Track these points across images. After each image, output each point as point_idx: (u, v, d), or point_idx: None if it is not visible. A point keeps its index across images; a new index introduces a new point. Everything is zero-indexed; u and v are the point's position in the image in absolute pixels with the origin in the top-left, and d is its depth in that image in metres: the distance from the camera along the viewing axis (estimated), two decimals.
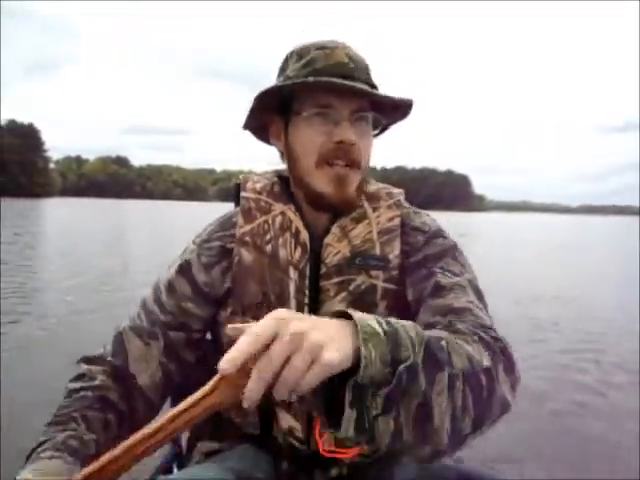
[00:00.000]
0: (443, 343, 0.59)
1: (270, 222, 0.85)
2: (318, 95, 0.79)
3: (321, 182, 0.81)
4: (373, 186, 0.91)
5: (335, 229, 0.84)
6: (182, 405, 0.48)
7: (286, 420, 0.82)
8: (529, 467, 2.41)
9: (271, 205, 0.87)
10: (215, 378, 0.49)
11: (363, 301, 0.82)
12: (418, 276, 0.83)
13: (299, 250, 0.84)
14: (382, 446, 0.54)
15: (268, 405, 0.82)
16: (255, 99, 0.82)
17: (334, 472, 0.83)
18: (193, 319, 0.85)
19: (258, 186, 0.89)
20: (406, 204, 0.92)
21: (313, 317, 0.53)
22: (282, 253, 0.84)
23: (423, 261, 0.84)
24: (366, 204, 0.88)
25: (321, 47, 0.82)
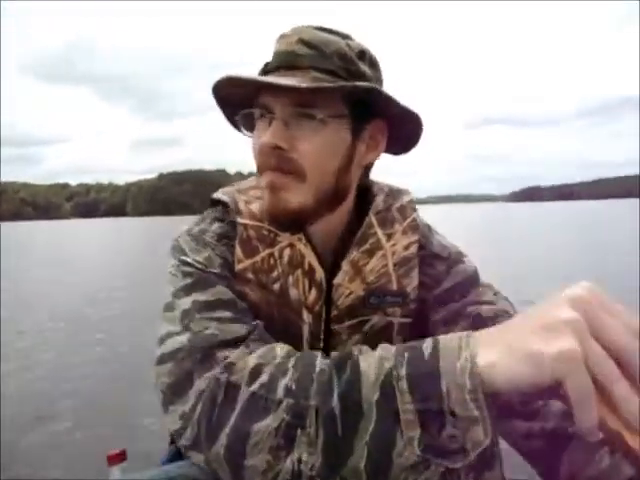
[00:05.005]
0: None
1: (276, 256, 0.73)
2: (260, 94, 0.68)
3: (263, 193, 0.70)
4: (380, 201, 0.79)
5: (346, 266, 0.74)
6: None
7: None
8: None
9: (276, 235, 0.74)
10: None
11: (378, 339, 0.71)
12: (449, 311, 0.76)
13: (314, 292, 0.73)
14: None
15: None
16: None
17: None
18: None
19: (254, 207, 0.75)
20: (420, 220, 0.81)
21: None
22: (293, 293, 0.73)
23: (450, 294, 0.77)
24: (379, 231, 0.77)
25: (283, 35, 0.70)
